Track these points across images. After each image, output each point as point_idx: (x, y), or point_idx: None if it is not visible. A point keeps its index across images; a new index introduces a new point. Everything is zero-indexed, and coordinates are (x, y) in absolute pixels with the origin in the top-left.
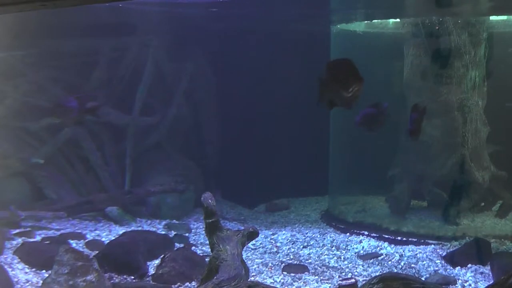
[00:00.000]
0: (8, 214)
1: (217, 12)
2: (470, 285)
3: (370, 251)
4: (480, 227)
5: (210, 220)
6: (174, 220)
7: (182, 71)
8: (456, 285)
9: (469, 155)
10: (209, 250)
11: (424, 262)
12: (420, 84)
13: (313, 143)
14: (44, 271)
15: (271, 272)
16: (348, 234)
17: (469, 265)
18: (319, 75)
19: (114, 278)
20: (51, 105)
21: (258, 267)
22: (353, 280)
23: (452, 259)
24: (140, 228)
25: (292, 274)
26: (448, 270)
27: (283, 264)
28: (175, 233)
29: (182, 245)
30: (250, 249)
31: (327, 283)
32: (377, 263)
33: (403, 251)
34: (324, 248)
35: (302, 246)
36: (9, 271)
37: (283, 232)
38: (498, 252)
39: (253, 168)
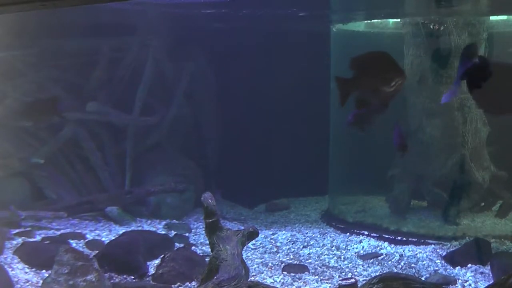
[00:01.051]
0: (8, 214)
1: (217, 12)
2: (470, 285)
3: (370, 251)
4: (480, 227)
5: (210, 220)
6: (174, 220)
7: (182, 71)
8: (456, 285)
9: (469, 155)
10: (209, 250)
11: (424, 262)
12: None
13: (313, 143)
14: (44, 271)
15: (271, 272)
16: (348, 234)
17: (469, 265)
18: (336, 75)
19: (114, 278)
20: (22, 108)
21: (258, 267)
22: (353, 280)
23: (452, 259)
24: (140, 228)
25: (292, 274)
26: (448, 270)
27: (283, 264)
28: (175, 233)
29: (182, 245)
30: (250, 249)
31: (327, 283)
32: (377, 263)
33: (403, 251)
34: (324, 248)
35: (302, 246)
36: (9, 271)
37: (283, 232)
38: (498, 252)
39: (253, 168)
